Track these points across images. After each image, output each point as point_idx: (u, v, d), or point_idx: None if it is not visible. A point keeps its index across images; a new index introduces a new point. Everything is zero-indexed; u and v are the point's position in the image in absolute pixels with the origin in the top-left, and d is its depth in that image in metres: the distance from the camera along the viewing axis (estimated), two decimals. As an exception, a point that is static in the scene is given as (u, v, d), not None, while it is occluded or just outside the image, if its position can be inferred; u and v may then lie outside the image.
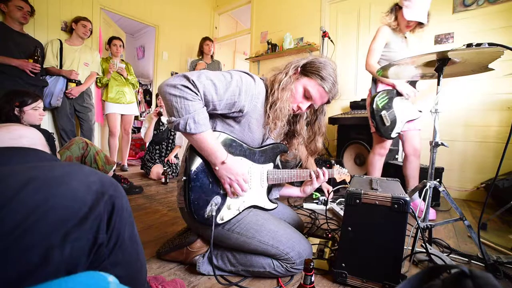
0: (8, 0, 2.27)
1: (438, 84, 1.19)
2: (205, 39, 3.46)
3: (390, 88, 1.77)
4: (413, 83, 1.84)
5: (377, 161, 1.88)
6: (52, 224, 0.39)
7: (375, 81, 1.84)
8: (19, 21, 2.33)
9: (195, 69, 3.37)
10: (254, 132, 1.01)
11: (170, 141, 3.04)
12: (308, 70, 1.00)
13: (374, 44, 1.79)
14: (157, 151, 3.00)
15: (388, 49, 1.80)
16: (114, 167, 2.06)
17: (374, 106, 1.69)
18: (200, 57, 3.51)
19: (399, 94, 1.76)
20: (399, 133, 1.75)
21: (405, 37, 1.86)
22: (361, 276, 0.93)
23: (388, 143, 1.83)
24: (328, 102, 1.05)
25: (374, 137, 1.87)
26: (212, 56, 3.52)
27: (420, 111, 1.81)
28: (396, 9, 1.75)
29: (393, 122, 1.72)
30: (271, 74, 1.05)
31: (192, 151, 0.92)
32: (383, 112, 1.69)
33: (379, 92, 1.73)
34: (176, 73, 4.31)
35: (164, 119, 2.95)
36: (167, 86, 0.81)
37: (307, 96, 1.00)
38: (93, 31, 3.00)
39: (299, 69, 1.02)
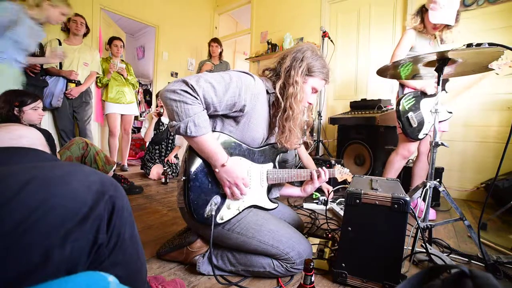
0: None
1: (438, 84, 1.19)
2: (211, 40, 3.47)
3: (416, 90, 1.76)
4: (443, 83, 1.82)
5: (398, 162, 1.85)
6: (52, 224, 0.39)
7: (402, 84, 1.83)
8: None
9: (201, 70, 3.39)
10: (254, 131, 1.01)
11: (170, 141, 3.05)
12: (311, 71, 1.03)
13: (398, 50, 1.76)
14: (157, 151, 3.00)
15: (413, 52, 1.77)
16: (114, 167, 2.06)
17: (401, 107, 1.68)
18: (209, 58, 3.53)
19: (425, 95, 1.74)
20: (426, 134, 1.73)
21: (435, 37, 1.82)
22: (361, 276, 0.93)
23: (414, 147, 1.80)
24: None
25: (400, 138, 1.85)
26: (220, 58, 3.51)
27: (450, 112, 1.78)
28: (423, 11, 1.71)
29: (421, 124, 1.71)
30: (264, 72, 1.09)
31: (192, 151, 0.92)
32: (410, 114, 1.68)
33: (405, 94, 1.72)
34: (176, 73, 4.31)
35: (164, 119, 2.96)
36: (167, 91, 0.82)
37: (313, 91, 1.08)
38: (92, 31, 2.99)
39: (305, 73, 1.03)
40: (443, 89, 1.80)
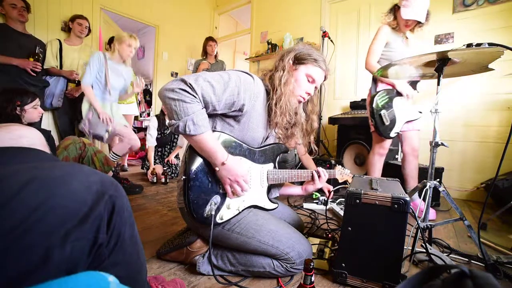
0: (1, 0, 2.26)
1: (438, 84, 1.19)
2: (208, 39, 3.44)
3: (390, 87, 1.77)
4: (413, 84, 1.84)
5: (377, 161, 1.88)
6: (52, 224, 0.39)
7: (375, 80, 1.84)
8: (18, 19, 2.32)
9: (197, 69, 3.36)
10: (254, 131, 1.01)
11: (174, 144, 3.05)
12: (301, 58, 1.05)
13: (374, 44, 1.79)
14: (159, 152, 3.00)
15: (389, 49, 1.80)
16: (114, 168, 2.06)
17: (374, 105, 1.69)
18: (204, 57, 3.50)
19: (399, 94, 1.76)
20: (398, 132, 1.75)
21: (406, 37, 1.86)
22: (361, 276, 0.93)
23: (388, 143, 1.83)
24: (325, 78, 1.13)
25: (374, 137, 1.87)
26: (216, 56, 3.50)
27: (421, 112, 1.81)
28: (395, 9, 1.76)
29: (393, 122, 1.72)
30: (264, 75, 1.09)
31: (192, 150, 0.93)
32: (383, 112, 1.69)
33: (379, 91, 1.73)
34: (176, 73, 4.31)
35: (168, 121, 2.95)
36: (165, 90, 0.82)
37: (309, 80, 1.07)
38: (92, 31, 2.99)
39: (294, 61, 1.06)
40: (414, 88, 1.81)
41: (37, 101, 1.61)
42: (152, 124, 2.90)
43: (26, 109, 1.54)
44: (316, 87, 1.10)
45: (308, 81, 1.07)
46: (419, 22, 1.70)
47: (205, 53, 3.47)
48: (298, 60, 1.05)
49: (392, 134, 1.73)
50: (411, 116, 1.78)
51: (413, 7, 1.62)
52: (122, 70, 2.36)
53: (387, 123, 1.69)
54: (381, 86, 1.80)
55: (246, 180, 0.96)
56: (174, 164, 2.93)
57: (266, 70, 1.12)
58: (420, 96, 1.80)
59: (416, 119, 1.80)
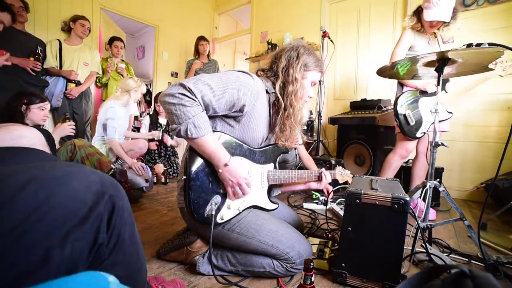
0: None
1: (438, 84, 1.19)
2: (200, 38, 3.41)
3: (415, 89, 1.77)
4: (443, 84, 1.82)
5: (396, 161, 1.86)
6: (52, 224, 0.39)
7: (401, 83, 1.84)
8: (16, 19, 2.31)
9: (190, 69, 3.35)
10: (254, 131, 1.01)
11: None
12: (308, 66, 1.05)
13: (397, 49, 1.78)
14: (156, 152, 3.01)
15: (412, 52, 1.79)
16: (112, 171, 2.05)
17: (398, 105, 1.69)
18: (197, 56, 3.48)
19: (423, 93, 1.75)
20: (424, 132, 1.73)
21: (435, 37, 1.83)
22: (361, 276, 0.93)
23: (412, 146, 1.81)
24: None
25: (398, 137, 1.86)
26: (208, 56, 3.49)
27: (450, 112, 1.78)
28: (419, 10, 1.74)
29: (418, 122, 1.71)
30: (267, 77, 1.08)
31: (193, 151, 0.92)
32: (407, 112, 1.69)
33: (404, 92, 1.74)
34: (176, 73, 4.31)
35: (162, 120, 2.97)
36: (165, 96, 0.82)
37: (312, 85, 1.10)
38: (92, 31, 2.99)
39: (303, 69, 1.05)
40: (443, 89, 1.80)
41: (45, 103, 1.63)
42: (144, 122, 2.91)
43: (32, 108, 1.57)
44: None
45: (311, 85, 1.09)
46: (444, 22, 1.67)
47: (197, 52, 3.45)
48: (306, 67, 1.05)
49: (419, 134, 1.72)
50: (441, 117, 1.75)
51: (435, 8, 1.59)
52: (124, 113, 2.48)
53: (412, 123, 1.69)
54: (406, 87, 1.79)
55: (248, 183, 0.96)
56: (175, 164, 2.95)
57: (264, 70, 1.11)
58: (449, 96, 1.77)
59: (445, 119, 1.78)
